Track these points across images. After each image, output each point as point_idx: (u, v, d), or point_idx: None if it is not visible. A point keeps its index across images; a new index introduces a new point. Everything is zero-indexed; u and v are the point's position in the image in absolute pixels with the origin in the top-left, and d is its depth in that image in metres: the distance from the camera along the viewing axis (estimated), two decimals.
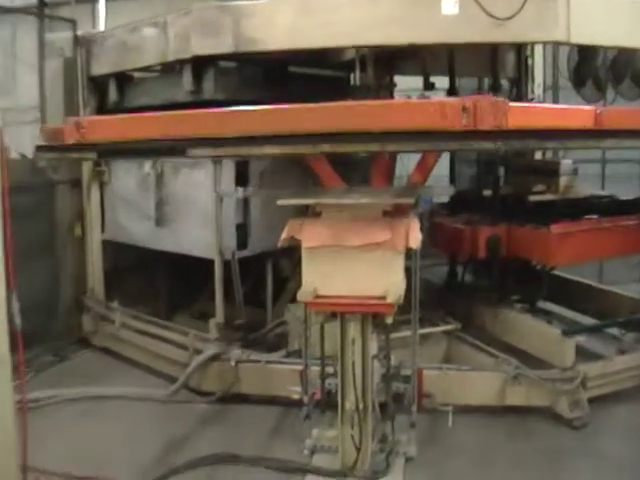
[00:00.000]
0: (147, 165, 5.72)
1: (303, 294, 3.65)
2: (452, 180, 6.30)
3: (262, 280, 6.02)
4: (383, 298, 3.58)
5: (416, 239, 3.60)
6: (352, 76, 4.86)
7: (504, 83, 7.04)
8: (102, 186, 6.44)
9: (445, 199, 6.27)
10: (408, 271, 7.29)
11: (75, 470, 4.15)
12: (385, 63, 5.17)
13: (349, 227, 3.63)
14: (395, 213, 3.72)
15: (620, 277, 7.45)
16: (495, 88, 5.59)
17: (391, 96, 5.65)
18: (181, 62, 5.02)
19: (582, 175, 6.99)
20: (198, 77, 5.00)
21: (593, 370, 4.83)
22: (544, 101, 7.04)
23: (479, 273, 6.39)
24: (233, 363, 5.15)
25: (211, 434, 4.81)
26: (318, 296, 3.66)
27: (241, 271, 5.58)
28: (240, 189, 4.36)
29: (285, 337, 5.56)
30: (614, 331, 5.75)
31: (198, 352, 5.37)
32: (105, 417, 5.09)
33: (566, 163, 5.73)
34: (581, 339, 5.92)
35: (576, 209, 5.38)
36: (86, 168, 6.27)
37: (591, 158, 8.01)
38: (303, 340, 4.15)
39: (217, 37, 4.67)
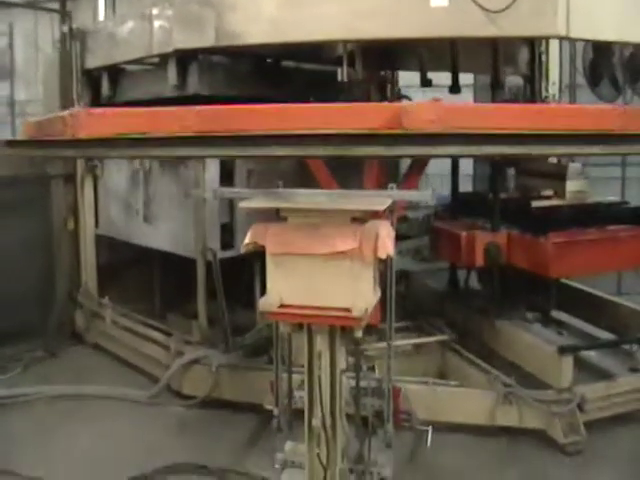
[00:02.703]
0: (137, 161, 5.57)
1: (266, 303, 3.43)
2: (454, 181, 5.98)
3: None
4: (349, 310, 3.33)
5: (386, 249, 3.32)
6: (339, 72, 4.58)
7: (518, 80, 6.74)
8: (95, 180, 6.33)
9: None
10: (404, 275, 7.09)
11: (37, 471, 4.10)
12: (377, 58, 4.89)
13: (315, 234, 3.38)
14: (366, 220, 3.47)
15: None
16: (496, 86, 5.24)
17: (383, 93, 5.37)
18: (165, 56, 4.83)
19: (601, 179, 6.64)
20: (183, 71, 4.81)
21: (593, 392, 4.49)
22: (560, 100, 6.68)
23: (485, 280, 6.07)
24: (213, 368, 4.98)
25: (186, 440, 4.65)
26: (282, 305, 3.44)
27: (233, 271, 5.40)
28: (213, 190, 4.16)
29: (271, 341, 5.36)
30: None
31: (180, 354, 5.23)
32: (84, 417, 4.99)
33: (574, 166, 5.37)
34: (592, 354, 5.66)
35: (582, 217, 5.02)
36: (80, 162, 6.15)
37: (612, 161, 7.58)
38: (274, 349, 3.94)
39: (199, 30, 4.46)
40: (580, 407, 4.38)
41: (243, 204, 3.53)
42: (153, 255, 6.37)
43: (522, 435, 4.48)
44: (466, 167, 8.20)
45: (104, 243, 6.59)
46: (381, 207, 3.38)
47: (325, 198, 3.55)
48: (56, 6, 8.89)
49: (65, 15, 8.57)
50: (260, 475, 4.08)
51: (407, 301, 6.26)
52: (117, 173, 6.10)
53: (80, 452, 4.46)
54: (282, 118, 3.15)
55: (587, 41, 4.80)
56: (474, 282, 6.31)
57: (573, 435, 4.33)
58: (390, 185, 3.73)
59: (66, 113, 3.15)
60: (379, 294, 3.57)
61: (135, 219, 5.84)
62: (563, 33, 4.11)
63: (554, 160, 5.99)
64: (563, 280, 6.23)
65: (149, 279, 6.81)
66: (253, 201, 3.55)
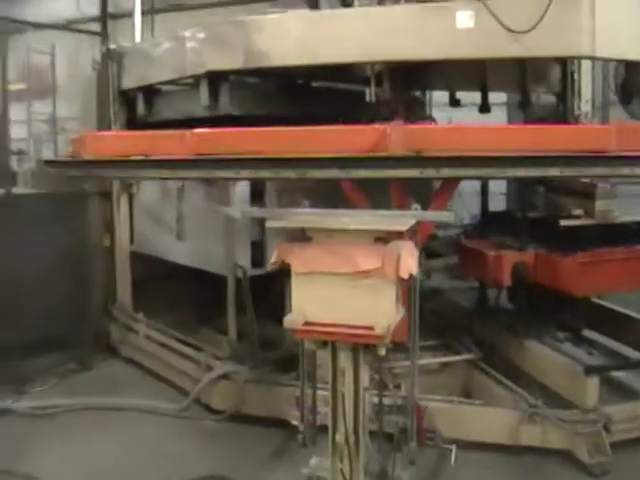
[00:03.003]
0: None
1: (290, 320, 3.52)
2: (484, 200, 6.02)
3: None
4: (372, 328, 3.40)
5: (407, 268, 3.39)
6: (367, 91, 4.68)
7: (551, 99, 6.76)
8: (131, 198, 6.51)
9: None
10: (436, 293, 7.09)
11: None
12: (405, 78, 4.96)
13: (338, 253, 3.47)
14: (389, 240, 3.53)
15: None
16: (525, 105, 5.26)
17: (410, 112, 5.41)
18: (198, 77, 4.97)
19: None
20: (214, 92, 4.94)
21: (620, 412, 4.46)
22: (593, 118, 6.66)
23: (515, 299, 6.06)
24: (241, 383, 5.07)
25: (214, 453, 4.75)
26: (307, 323, 3.52)
27: (264, 288, 5.49)
28: (238, 209, 4.28)
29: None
30: None
31: (210, 369, 5.33)
32: (114, 428, 5.13)
33: (603, 186, 5.35)
34: (622, 374, 5.62)
35: (610, 236, 5.00)
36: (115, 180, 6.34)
37: None
38: (300, 365, 4.01)
39: (229, 52, 4.60)
40: (606, 428, 4.35)
41: (269, 224, 3.65)
42: (187, 271, 6.52)
43: (547, 455, 4.46)
44: (500, 186, 8.23)
45: (140, 258, 6.76)
46: (403, 227, 3.45)
47: (349, 218, 3.62)
48: (96, 27, 9.23)
49: (105, 36, 8.87)
50: None
51: (438, 319, 6.31)
52: (151, 191, 6.27)
53: (109, 462, 4.59)
54: (261, 141, 3.71)
55: (613, 61, 4.80)
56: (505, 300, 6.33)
57: (599, 456, 4.29)
58: (414, 206, 3.79)
59: (77, 135, 3.53)
60: (402, 312, 3.62)
61: (168, 236, 5.99)
62: (588, 53, 4.14)
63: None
64: (595, 299, 6.21)
65: (183, 294, 6.95)
66: (279, 221, 3.66)
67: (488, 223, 5.92)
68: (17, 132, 9.28)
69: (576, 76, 6.26)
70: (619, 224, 5.23)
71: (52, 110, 9.13)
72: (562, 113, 6.23)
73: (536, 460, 4.44)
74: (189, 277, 6.76)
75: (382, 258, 3.37)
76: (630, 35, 4.20)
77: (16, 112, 9.62)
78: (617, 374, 5.54)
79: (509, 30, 4.06)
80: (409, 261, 3.42)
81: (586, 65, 6.44)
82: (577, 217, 5.40)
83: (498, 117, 7.67)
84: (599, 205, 5.24)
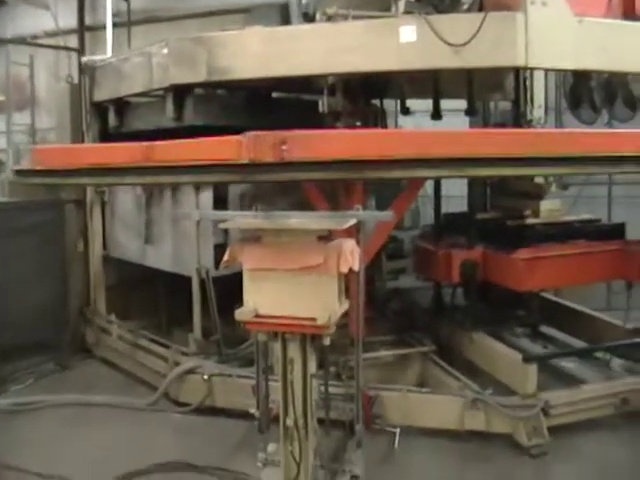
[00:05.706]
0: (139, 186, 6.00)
1: (242, 313, 3.81)
2: (437, 202, 6.33)
3: None
4: (314, 319, 3.69)
5: (347, 263, 3.69)
6: (320, 102, 4.99)
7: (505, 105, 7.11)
8: (103, 205, 6.78)
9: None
10: (399, 293, 7.34)
11: (45, 469, 4.49)
12: (358, 89, 5.27)
13: (285, 251, 3.77)
14: (332, 238, 3.83)
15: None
16: (470, 112, 5.58)
17: (365, 121, 5.72)
18: (164, 90, 5.26)
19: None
20: (179, 104, 5.23)
21: (558, 398, 4.77)
22: (545, 123, 6.96)
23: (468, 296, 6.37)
24: (206, 377, 5.35)
25: (180, 443, 5.03)
26: (257, 316, 3.81)
27: (232, 288, 5.76)
28: (196, 212, 4.56)
29: None
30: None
31: (177, 365, 5.60)
32: (87, 423, 5.38)
33: (548, 187, 5.67)
34: (571, 365, 5.95)
35: (553, 234, 5.33)
36: (89, 188, 6.60)
37: (599, 180, 7.91)
38: (255, 356, 4.28)
39: (192, 67, 4.90)
40: (545, 412, 4.65)
41: (222, 225, 3.94)
42: (160, 274, 6.78)
43: (491, 439, 4.75)
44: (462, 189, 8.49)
45: (115, 263, 7.03)
46: (341, 226, 3.74)
47: (295, 219, 3.91)
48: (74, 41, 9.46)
49: (82, 50, 9.11)
50: (242, 472, 4.42)
51: (399, 317, 6.60)
52: (122, 198, 6.55)
53: (81, 453, 4.84)
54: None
55: (546, 70, 5.12)
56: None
57: (537, 438, 4.59)
58: (356, 206, 4.09)
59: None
60: (347, 305, 3.91)
61: (138, 241, 6.27)
62: (522, 63, 4.48)
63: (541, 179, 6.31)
64: (550, 296, 6.55)
65: (158, 297, 7.21)
66: (231, 222, 3.95)
67: (444, 225, 6.23)
68: None
69: (528, 83, 6.57)
70: (563, 222, 5.57)
71: (31, 121, 9.34)
72: (514, 118, 6.56)
73: (480, 444, 4.73)
74: (161, 280, 7.04)
75: (324, 255, 3.68)
76: (562, 46, 4.53)
77: None
78: (567, 365, 5.88)
79: (448, 43, 4.39)
80: (349, 257, 3.72)
81: (539, 73, 6.74)
82: (525, 217, 5.74)
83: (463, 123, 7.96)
84: (544, 205, 5.57)
